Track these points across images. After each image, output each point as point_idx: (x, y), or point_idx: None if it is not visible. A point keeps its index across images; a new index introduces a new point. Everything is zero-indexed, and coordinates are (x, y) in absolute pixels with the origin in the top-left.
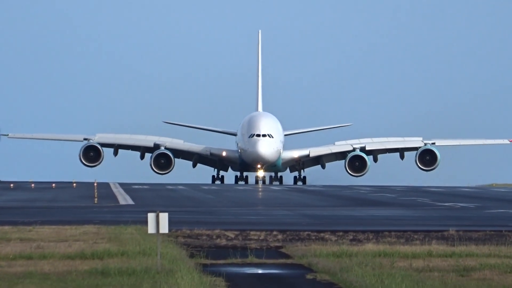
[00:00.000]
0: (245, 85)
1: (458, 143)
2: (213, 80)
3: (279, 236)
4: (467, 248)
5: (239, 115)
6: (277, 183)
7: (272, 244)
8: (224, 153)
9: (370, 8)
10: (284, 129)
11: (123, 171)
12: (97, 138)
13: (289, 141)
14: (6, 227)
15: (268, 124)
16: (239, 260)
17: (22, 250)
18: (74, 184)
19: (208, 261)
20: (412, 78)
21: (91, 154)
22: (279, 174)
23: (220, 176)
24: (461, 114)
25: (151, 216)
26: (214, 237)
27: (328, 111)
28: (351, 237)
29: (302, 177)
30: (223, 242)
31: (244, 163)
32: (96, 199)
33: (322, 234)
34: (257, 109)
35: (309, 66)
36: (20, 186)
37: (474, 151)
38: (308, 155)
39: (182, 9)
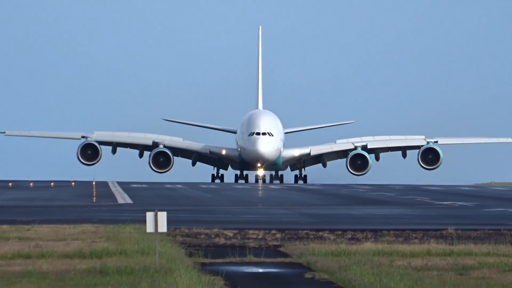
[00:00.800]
0: (245, 82)
1: (460, 142)
2: (212, 77)
3: (278, 235)
4: (466, 247)
5: (239, 113)
6: (278, 182)
7: (270, 243)
8: (223, 152)
9: (373, 5)
10: (285, 127)
11: (121, 170)
12: (95, 136)
13: (289, 139)
14: (5, 226)
15: (268, 122)
16: (237, 259)
17: (21, 249)
18: (73, 183)
19: (207, 260)
20: (415, 76)
21: (89, 152)
22: (280, 172)
23: (219, 174)
24: (463, 112)
25: (149, 215)
26: (213, 236)
27: (329, 109)
28: (350, 236)
29: (303, 175)
30: (222, 241)
31: (244, 161)
32: (94, 198)
33: (320, 233)
34: (257, 107)
35: (310, 63)
36: (19, 185)
37: (473, 150)
38: (309, 153)
39: (181, 5)
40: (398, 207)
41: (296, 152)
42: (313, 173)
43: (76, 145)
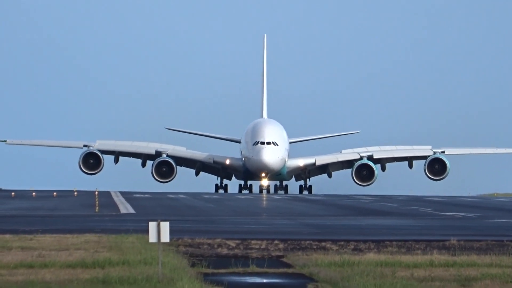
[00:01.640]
0: (249, 91)
1: (468, 152)
2: (216, 86)
3: (280, 245)
4: (468, 258)
5: (243, 122)
6: (282, 192)
7: (273, 253)
8: (227, 161)
9: (378, 13)
10: (290, 136)
11: (124, 179)
12: (97, 145)
13: (294, 149)
14: (7, 236)
15: (273, 131)
16: (240, 269)
17: (23, 258)
18: (75, 193)
19: (209, 270)
20: (422, 86)
21: (91, 161)
22: (284, 183)
23: (223, 184)
24: (471, 122)
25: (152, 225)
26: (215, 246)
27: (334, 119)
28: (353, 246)
29: (308, 186)
30: (224, 251)
31: (248, 171)
32: (97, 207)
33: (323, 244)
34: (261, 116)
35: (315, 72)
36: (22, 194)
37: (477, 160)
38: (314, 163)
39: (185, 12)
40: (400, 218)
41: (301, 162)
42: (318, 183)
43: (78, 154)
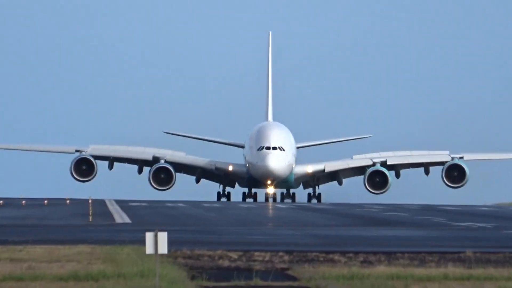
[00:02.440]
0: (253, 92)
1: (488, 158)
2: (218, 86)
3: (286, 257)
4: (485, 271)
5: (247, 125)
6: (289, 200)
7: (278, 266)
8: (230, 168)
9: (392, 12)
10: (297, 141)
11: (119, 187)
12: (90, 150)
13: (302, 154)
14: None
15: (279, 135)
16: (243, 283)
17: (12, 270)
18: (68, 201)
19: (210, 284)
20: (438, 86)
21: (84, 167)
22: (291, 191)
23: (226, 192)
24: (490, 125)
25: (149, 236)
26: (217, 258)
27: (345, 121)
28: (362, 258)
29: (316, 194)
30: (226, 263)
31: (253, 178)
32: (90, 217)
33: (331, 255)
34: (266, 119)
35: (324, 71)
36: (11, 203)
37: (494, 166)
38: (324, 170)
39: (183, 10)
40: (413, 228)
41: (310, 168)
42: (328, 191)
43: (70, 159)
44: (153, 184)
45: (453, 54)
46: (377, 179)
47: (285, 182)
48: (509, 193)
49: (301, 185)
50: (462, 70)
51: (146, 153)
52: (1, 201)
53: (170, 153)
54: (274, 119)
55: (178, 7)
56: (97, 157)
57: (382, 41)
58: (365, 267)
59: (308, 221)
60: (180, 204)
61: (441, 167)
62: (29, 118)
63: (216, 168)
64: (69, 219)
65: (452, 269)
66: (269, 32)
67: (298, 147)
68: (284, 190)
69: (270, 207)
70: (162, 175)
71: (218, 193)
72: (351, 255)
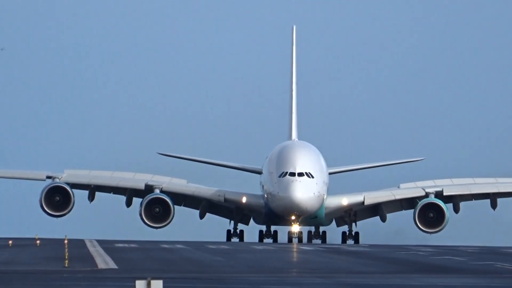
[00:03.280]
0: (274, 105)
1: None
2: (228, 98)
3: None
4: None
5: (265, 146)
6: (319, 241)
7: None
8: (244, 199)
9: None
10: (329, 165)
11: (102, 223)
12: (65, 177)
13: (334, 182)
14: None
15: (306, 158)
16: None
17: None
18: (38, 241)
19: None
20: (501, 100)
21: (57, 198)
22: (322, 228)
23: (238, 231)
24: None
25: (140, 284)
26: None
27: (389, 142)
28: None
29: (353, 233)
30: None
31: (273, 213)
32: (66, 261)
33: None
34: (290, 138)
35: (360, 80)
36: None
37: None
38: (363, 202)
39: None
40: (470, 276)
41: (345, 200)
42: (368, 229)
43: (40, 188)
44: (145, 220)
45: None
46: (430, 215)
47: (313, 218)
48: None
49: (333, 222)
50: None
51: (137, 180)
52: None
53: (167, 181)
54: (300, 137)
55: (178, 8)
56: (74, 185)
57: (432, 45)
58: None
59: (341, 267)
60: (179, 246)
61: (510, 198)
62: None
63: (226, 200)
64: (40, 264)
65: None
66: (293, 27)
67: (330, 173)
68: (313, 228)
69: (294, 250)
70: (157, 209)
71: (228, 231)
72: None
